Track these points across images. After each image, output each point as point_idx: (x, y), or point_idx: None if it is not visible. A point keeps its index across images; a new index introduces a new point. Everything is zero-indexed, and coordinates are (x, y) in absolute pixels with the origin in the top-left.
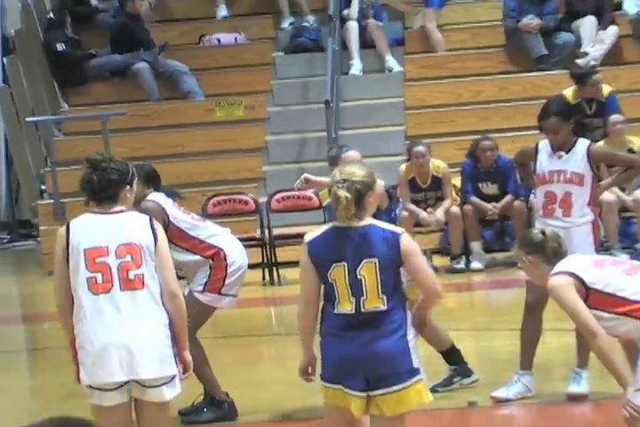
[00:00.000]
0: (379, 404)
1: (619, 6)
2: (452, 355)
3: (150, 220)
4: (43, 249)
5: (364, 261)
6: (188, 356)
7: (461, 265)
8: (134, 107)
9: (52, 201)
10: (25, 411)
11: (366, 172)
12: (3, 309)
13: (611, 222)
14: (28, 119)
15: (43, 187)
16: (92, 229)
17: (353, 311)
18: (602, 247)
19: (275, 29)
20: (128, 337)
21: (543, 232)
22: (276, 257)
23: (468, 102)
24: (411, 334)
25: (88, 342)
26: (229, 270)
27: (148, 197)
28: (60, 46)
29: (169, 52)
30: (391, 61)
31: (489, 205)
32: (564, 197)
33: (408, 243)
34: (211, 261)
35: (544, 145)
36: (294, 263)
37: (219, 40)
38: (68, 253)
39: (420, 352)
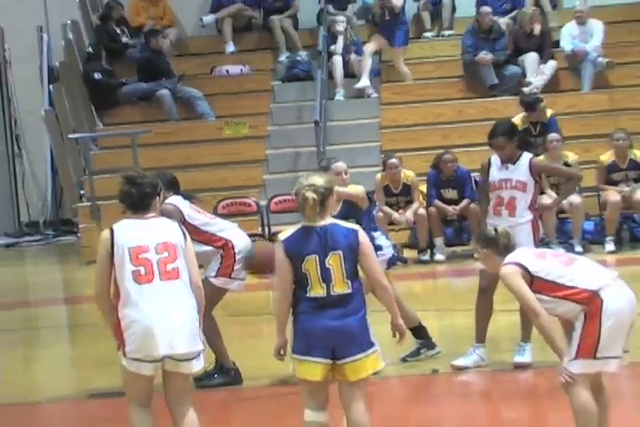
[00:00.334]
0: (344, 371)
1: (556, 44)
2: (419, 331)
3: (178, 223)
4: (82, 243)
5: (331, 253)
6: (201, 333)
7: (427, 257)
8: (158, 126)
9: (90, 204)
10: (66, 377)
11: (327, 180)
12: (49, 292)
13: (550, 222)
14: (69, 136)
15: (81, 192)
16: (133, 232)
17: (325, 295)
18: (542, 242)
19: (273, 62)
20: (167, 319)
21: (496, 230)
22: None
23: (433, 123)
24: (367, 313)
25: (134, 324)
26: (237, 258)
27: (167, 201)
28: (96, 76)
29: (186, 81)
30: (369, 89)
31: (449, 208)
32: (510, 200)
33: (364, 238)
34: (221, 251)
35: (495, 159)
36: None
37: (227, 71)
38: (112, 253)
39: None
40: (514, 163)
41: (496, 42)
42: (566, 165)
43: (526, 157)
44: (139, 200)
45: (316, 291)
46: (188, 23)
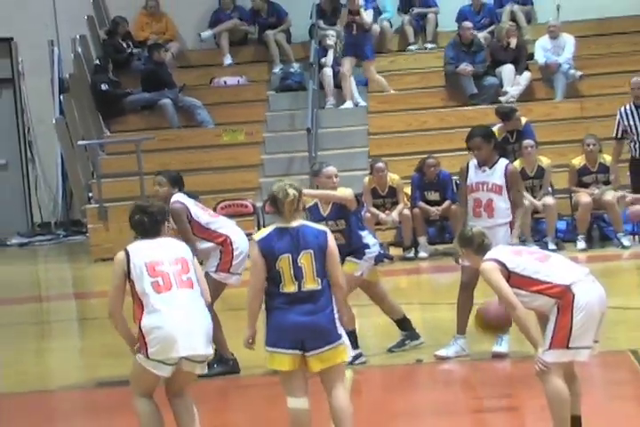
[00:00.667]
0: (309, 362)
1: (531, 56)
2: (403, 323)
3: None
4: (90, 242)
5: (303, 252)
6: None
7: (411, 254)
8: (161, 133)
9: (97, 205)
10: (75, 366)
11: (298, 184)
12: (59, 288)
13: (525, 222)
14: (79, 143)
15: (90, 194)
16: (148, 250)
17: (296, 291)
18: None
19: (268, 74)
20: (187, 323)
21: (472, 231)
22: None
23: (417, 130)
24: (335, 308)
25: (156, 329)
26: (235, 254)
27: (175, 198)
28: (103, 86)
29: (187, 91)
30: (358, 98)
31: (432, 209)
32: (488, 202)
33: (332, 240)
34: (221, 247)
35: (472, 164)
36: None
37: (225, 82)
38: (129, 272)
39: (380, 322)
40: (490, 167)
41: (476, 54)
42: (540, 168)
43: (503, 162)
44: (150, 227)
45: (289, 287)
46: (189, 37)
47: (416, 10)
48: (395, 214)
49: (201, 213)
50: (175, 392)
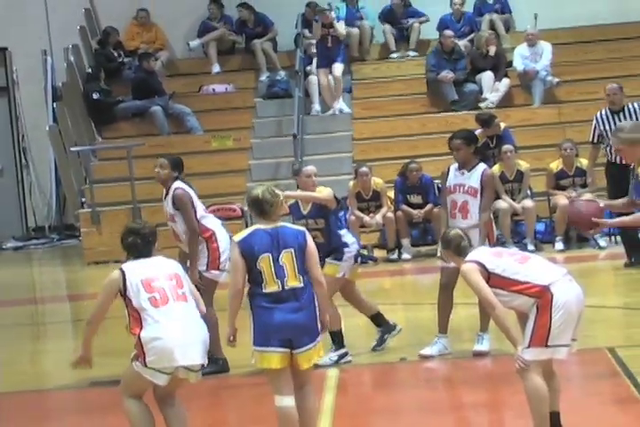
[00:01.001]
0: (297, 360)
1: (510, 64)
2: (377, 318)
3: (177, 262)
4: (83, 246)
5: (284, 251)
6: None
7: (395, 256)
8: (151, 139)
9: (90, 210)
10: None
11: (278, 188)
12: (53, 290)
13: (505, 224)
14: (71, 149)
15: (83, 199)
16: (142, 268)
17: (280, 289)
18: (498, 242)
19: (255, 81)
20: (184, 335)
21: (450, 232)
22: None
23: (400, 135)
24: (317, 305)
25: (155, 339)
26: (221, 250)
27: (177, 185)
28: (95, 95)
29: (176, 99)
30: (342, 104)
31: (415, 212)
32: (463, 204)
33: (310, 240)
34: (205, 243)
35: (453, 167)
36: None
37: (213, 89)
38: (125, 289)
39: (364, 321)
40: (469, 170)
41: (457, 62)
42: (519, 172)
43: (481, 166)
44: (143, 249)
45: (271, 286)
46: (178, 47)
47: (411, 20)
48: (379, 217)
49: (199, 204)
50: (164, 395)
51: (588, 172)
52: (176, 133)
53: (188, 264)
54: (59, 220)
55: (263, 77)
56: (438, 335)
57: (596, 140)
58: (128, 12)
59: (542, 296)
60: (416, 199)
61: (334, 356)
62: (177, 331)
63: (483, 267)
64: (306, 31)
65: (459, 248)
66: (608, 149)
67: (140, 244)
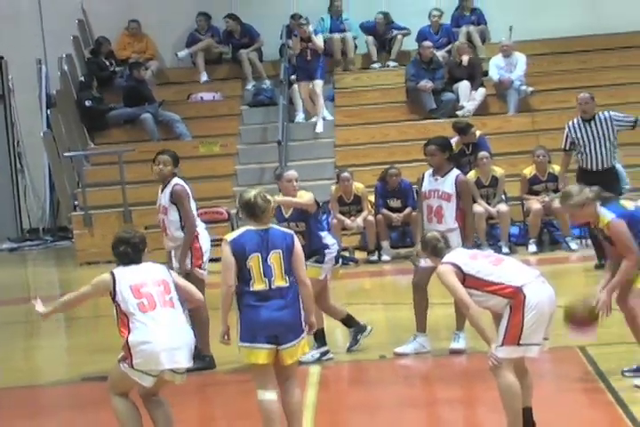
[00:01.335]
0: (282, 356)
1: (486, 73)
2: (348, 321)
3: (165, 267)
4: (76, 247)
5: (272, 252)
6: None
7: (375, 257)
8: (141, 145)
9: (82, 213)
10: (63, 363)
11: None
12: (47, 290)
13: (480, 227)
14: (65, 154)
15: (75, 202)
16: (132, 274)
17: (267, 288)
18: (474, 244)
19: (242, 90)
20: (170, 340)
21: (427, 235)
22: None
23: (380, 142)
24: (301, 304)
25: (142, 343)
26: (203, 251)
27: (176, 181)
28: (88, 102)
29: (166, 106)
30: (325, 112)
31: (394, 215)
32: (437, 209)
33: (297, 242)
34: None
35: (427, 173)
36: None
37: (201, 97)
38: (115, 294)
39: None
40: (443, 176)
41: (435, 72)
42: (494, 179)
43: (455, 172)
44: (134, 257)
45: (259, 285)
46: (167, 56)
47: (395, 32)
48: (359, 220)
49: (193, 203)
50: (148, 393)
51: (560, 177)
52: (165, 140)
53: (173, 258)
54: (52, 222)
55: (249, 86)
56: (416, 334)
57: (567, 148)
58: (120, 22)
59: (515, 297)
60: (395, 203)
61: (316, 353)
62: (164, 335)
63: (458, 268)
64: (290, 42)
65: (435, 249)
66: (579, 155)
67: (130, 253)
